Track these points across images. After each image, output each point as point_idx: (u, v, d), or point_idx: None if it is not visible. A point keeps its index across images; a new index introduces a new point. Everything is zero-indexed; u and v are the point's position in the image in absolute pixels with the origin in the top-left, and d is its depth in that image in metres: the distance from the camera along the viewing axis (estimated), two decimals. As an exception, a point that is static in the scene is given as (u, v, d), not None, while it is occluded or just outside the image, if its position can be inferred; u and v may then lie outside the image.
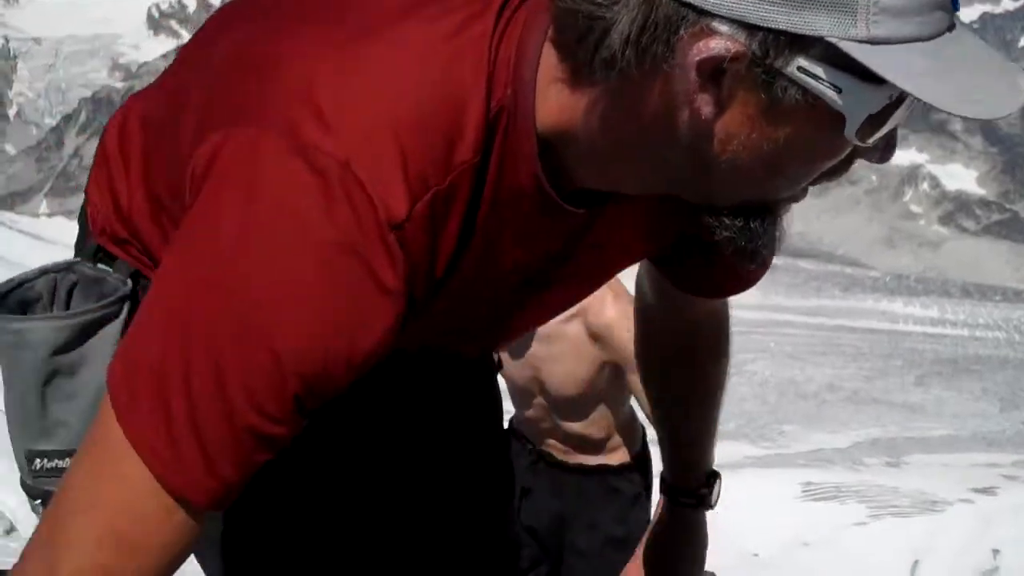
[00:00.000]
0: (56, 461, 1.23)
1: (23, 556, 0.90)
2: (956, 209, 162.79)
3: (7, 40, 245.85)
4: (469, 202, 0.96)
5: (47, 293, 1.25)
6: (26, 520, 9.55)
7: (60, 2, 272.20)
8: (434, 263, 0.96)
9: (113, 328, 1.22)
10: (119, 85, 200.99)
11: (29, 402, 1.22)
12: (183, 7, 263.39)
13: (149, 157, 1.20)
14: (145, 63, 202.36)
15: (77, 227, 1.37)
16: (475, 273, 1.03)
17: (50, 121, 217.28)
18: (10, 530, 9.24)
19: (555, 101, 0.93)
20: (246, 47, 1.03)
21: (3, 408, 1.26)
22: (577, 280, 1.26)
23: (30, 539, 0.91)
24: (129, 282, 1.23)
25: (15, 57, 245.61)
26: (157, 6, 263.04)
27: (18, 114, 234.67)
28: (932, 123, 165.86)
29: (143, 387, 0.88)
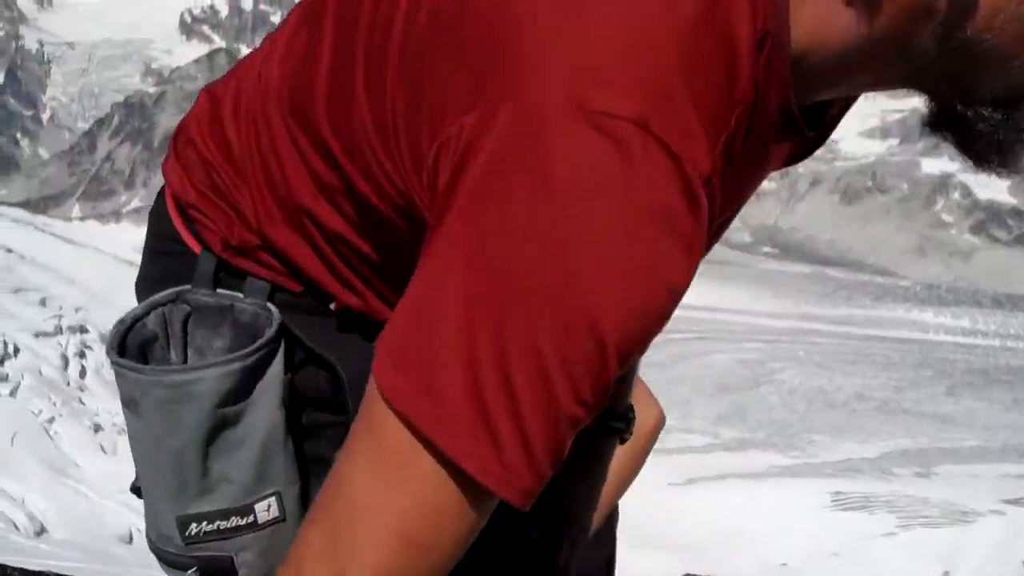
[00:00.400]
0: (218, 523, 1.12)
1: (297, 570, 0.84)
2: (988, 218, 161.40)
3: (41, 45, 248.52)
4: (740, 140, 0.87)
5: (160, 330, 1.14)
6: (56, 522, 9.67)
7: (93, 7, 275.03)
8: (714, 215, 0.86)
9: (277, 365, 1.11)
10: (151, 90, 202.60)
11: (188, 461, 1.10)
12: (215, 12, 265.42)
13: (296, 146, 1.05)
14: (177, 68, 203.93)
15: (142, 249, 1.24)
16: (719, 216, 0.91)
17: (83, 125, 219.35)
18: (40, 532, 9.36)
19: (809, 16, 0.85)
20: (443, 6, 0.89)
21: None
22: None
23: (294, 551, 0.85)
24: (274, 309, 1.11)
25: (49, 62, 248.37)
26: (189, 11, 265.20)
27: (51, 118, 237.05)
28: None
29: (448, 382, 0.78)
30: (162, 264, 1.20)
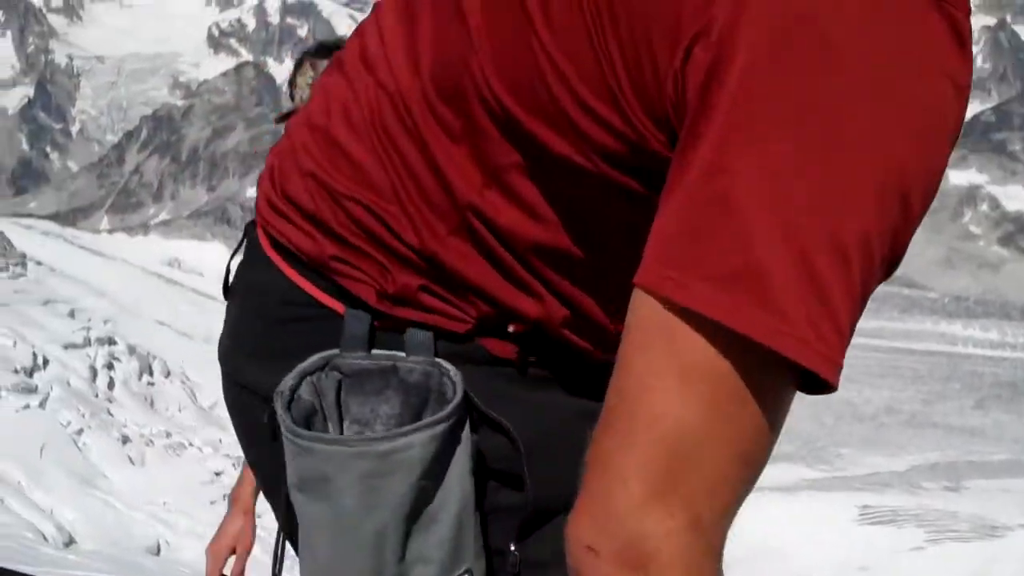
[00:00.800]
0: None
1: (634, 527, 0.73)
2: (1017, 230, 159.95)
3: (71, 59, 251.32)
4: None
5: (315, 401, 1.03)
6: (84, 534, 9.73)
7: (122, 21, 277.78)
8: None
9: (466, 427, 1.03)
10: (179, 103, 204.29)
11: (388, 543, 1.01)
12: (243, 26, 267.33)
13: (451, 136, 0.96)
14: (205, 81, 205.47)
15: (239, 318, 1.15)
16: None
17: (112, 138, 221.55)
18: (69, 543, 9.41)
19: None
20: None
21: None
22: None
23: (605, 510, 0.74)
24: (447, 365, 1.01)
25: (78, 75, 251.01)
26: (217, 25, 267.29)
27: (81, 131, 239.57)
28: (992, 143, 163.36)
29: (781, 288, 0.69)
30: (294, 333, 1.08)
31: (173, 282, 56.26)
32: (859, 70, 0.71)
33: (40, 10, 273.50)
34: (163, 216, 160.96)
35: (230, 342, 1.18)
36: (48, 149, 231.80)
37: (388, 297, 1.03)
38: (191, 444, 14.25)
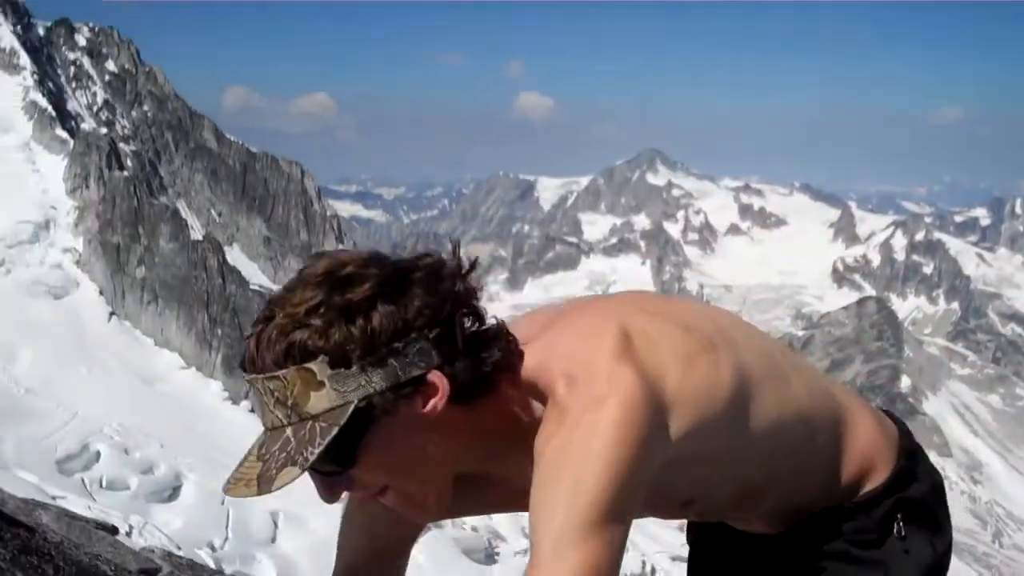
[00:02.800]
0: None
1: None
2: None
3: (701, 286, 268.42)
4: None
5: None
6: None
7: (752, 253, 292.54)
8: None
9: None
10: (800, 333, 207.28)
11: None
12: (867, 262, 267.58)
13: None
14: (826, 313, 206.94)
15: None
16: None
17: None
18: None
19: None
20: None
21: None
22: None
23: None
24: None
25: (706, 302, 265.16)
26: (842, 260, 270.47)
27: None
28: None
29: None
30: None
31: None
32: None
33: (679, 242, 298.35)
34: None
35: None
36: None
37: None
38: None
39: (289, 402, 1.33)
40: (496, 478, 1.65)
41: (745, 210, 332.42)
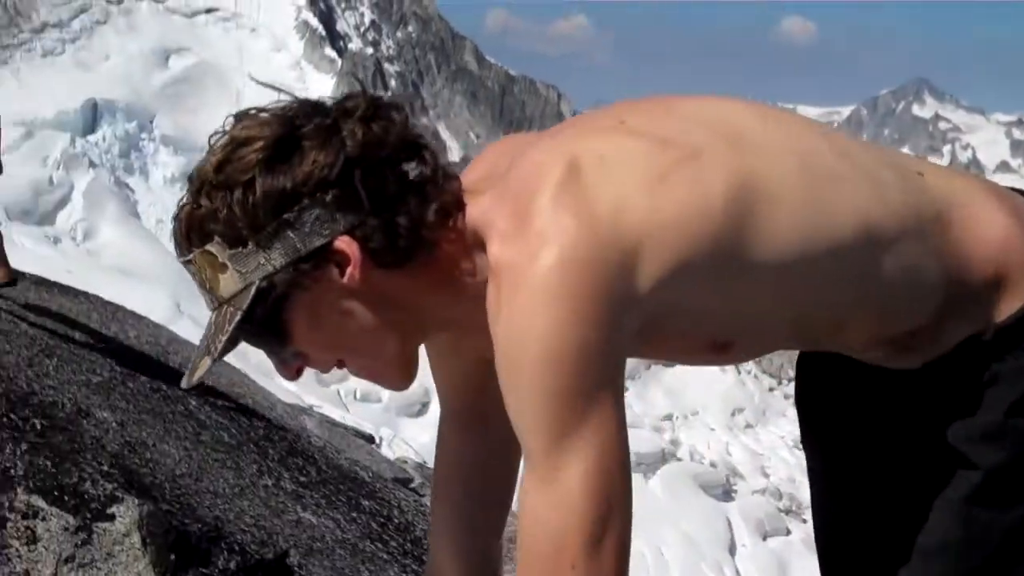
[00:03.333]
0: None
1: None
2: None
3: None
4: None
5: None
6: None
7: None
8: None
9: None
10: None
11: None
12: None
13: None
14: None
15: None
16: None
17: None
18: None
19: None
20: None
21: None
22: None
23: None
24: None
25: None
26: None
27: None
28: None
29: None
30: None
31: None
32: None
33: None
34: None
35: None
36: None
37: None
38: None
39: (207, 286, 1.27)
40: (466, 344, 1.47)
41: (1017, 146, 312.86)
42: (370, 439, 13.00)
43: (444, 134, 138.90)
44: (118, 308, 10.15)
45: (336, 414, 39.09)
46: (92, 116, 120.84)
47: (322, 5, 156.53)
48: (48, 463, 5.45)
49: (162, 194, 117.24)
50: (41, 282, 10.16)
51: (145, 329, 9.59)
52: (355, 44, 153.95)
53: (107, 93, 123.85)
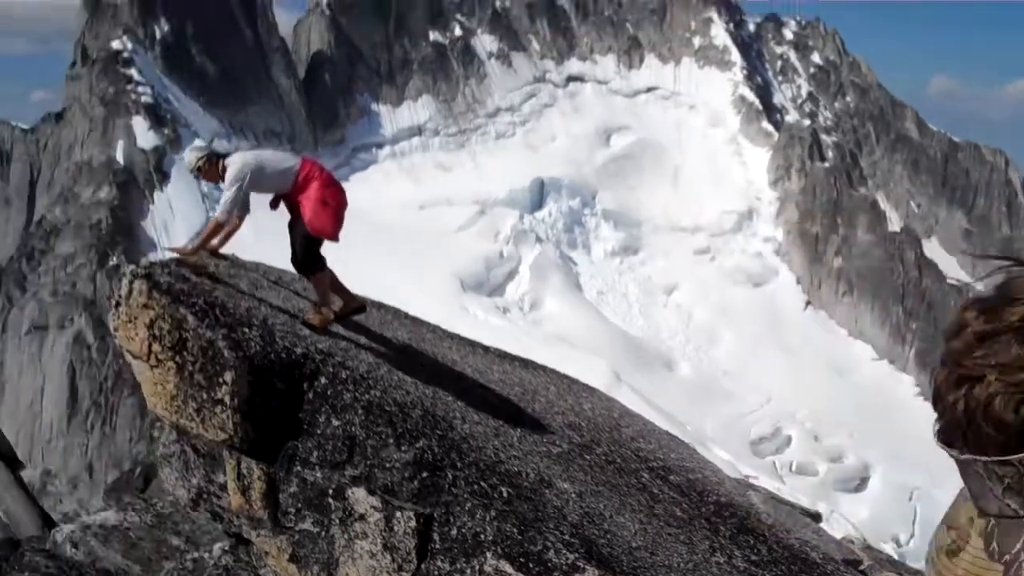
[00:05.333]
0: None
1: None
2: None
3: None
4: None
5: None
6: None
7: None
8: None
9: None
10: None
11: None
12: None
13: None
14: None
15: None
16: None
17: None
18: None
19: None
20: None
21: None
22: None
23: None
24: None
25: None
26: None
27: None
28: None
29: None
30: None
31: None
32: None
33: None
34: None
35: None
36: None
37: None
38: None
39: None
40: None
41: None
42: (817, 517, 12.90)
43: (883, 204, 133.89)
44: (573, 381, 10.54)
45: (771, 486, 39.21)
46: (539, 194, 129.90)
47: (759, 79, 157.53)
48: (515, 530, 6.16)
49: (603, 267, 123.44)
50: (504, 356, 10.54)
51: (598, 402, 9.91)
52: (792, 116, 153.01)
53: (553, 171, 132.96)
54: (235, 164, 8.23)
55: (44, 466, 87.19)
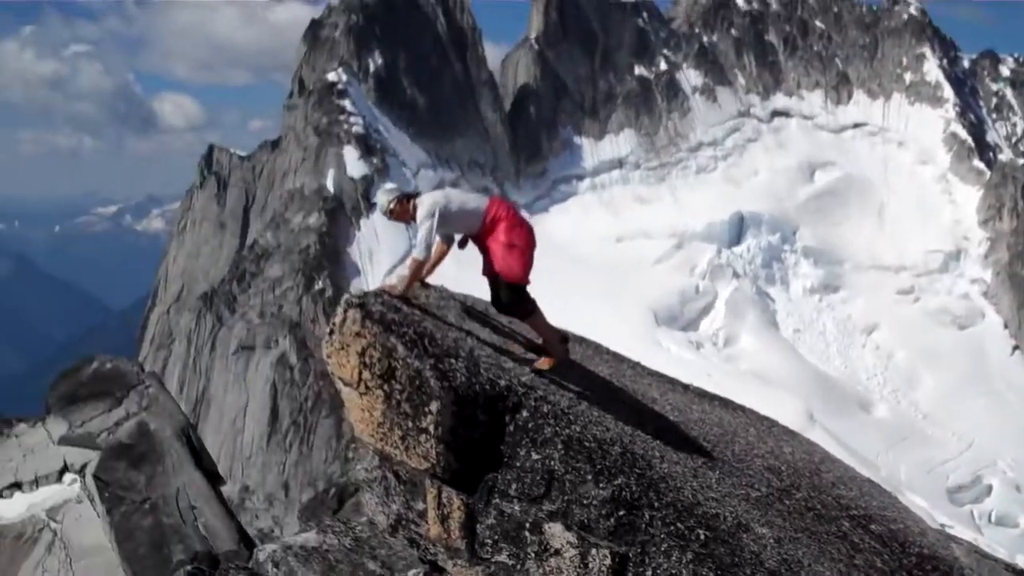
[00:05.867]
0: None
1: None
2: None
3: None
4: None
5: None
6: None
7: None
8: None
9: None
10: None
11: None
12: None
13: None
14: None
15: None
16: None
17: None
18: None
19: None
20: None
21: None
22: None
23: None
24: None
25: None
26: None
27: None
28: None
29: None
30: None
31: None
32: None
33: None
34: None
35: None
36: None
37: None
38: None
39: None
40: None
41: None
42: (1021, 574, 12.74)
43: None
44: (773, 423, 10.28)
45: (968, 536, 38.56)
46: (738, 228, 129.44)
47: (972, 116, 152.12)
48: (711, 574, 6.02)
49: (800, 304, 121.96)
50: (703, 394, 10.45)
51: (798, 445, 9.64)
52: (1006, 155, 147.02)
53: (753, 206, 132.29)
54: (425, 203, 8.30)
55: (243, 482, 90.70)
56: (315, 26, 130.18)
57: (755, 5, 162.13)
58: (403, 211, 8.50)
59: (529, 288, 8.34)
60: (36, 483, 16.68)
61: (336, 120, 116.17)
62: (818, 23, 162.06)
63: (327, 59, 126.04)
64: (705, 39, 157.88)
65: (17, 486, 16.76)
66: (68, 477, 16.67)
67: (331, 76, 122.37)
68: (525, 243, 8.26)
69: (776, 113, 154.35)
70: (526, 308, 8.28)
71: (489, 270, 8.31)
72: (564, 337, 8.64)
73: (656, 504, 6.44)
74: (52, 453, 16.87)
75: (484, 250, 8.34)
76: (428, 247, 8.19)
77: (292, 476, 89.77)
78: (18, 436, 17.68)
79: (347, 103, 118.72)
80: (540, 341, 8.50)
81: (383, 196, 8.65)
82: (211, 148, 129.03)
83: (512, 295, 8.19)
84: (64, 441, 17.01)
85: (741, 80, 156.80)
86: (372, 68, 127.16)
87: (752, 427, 9.60)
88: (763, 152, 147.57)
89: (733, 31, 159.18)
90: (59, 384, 18.31)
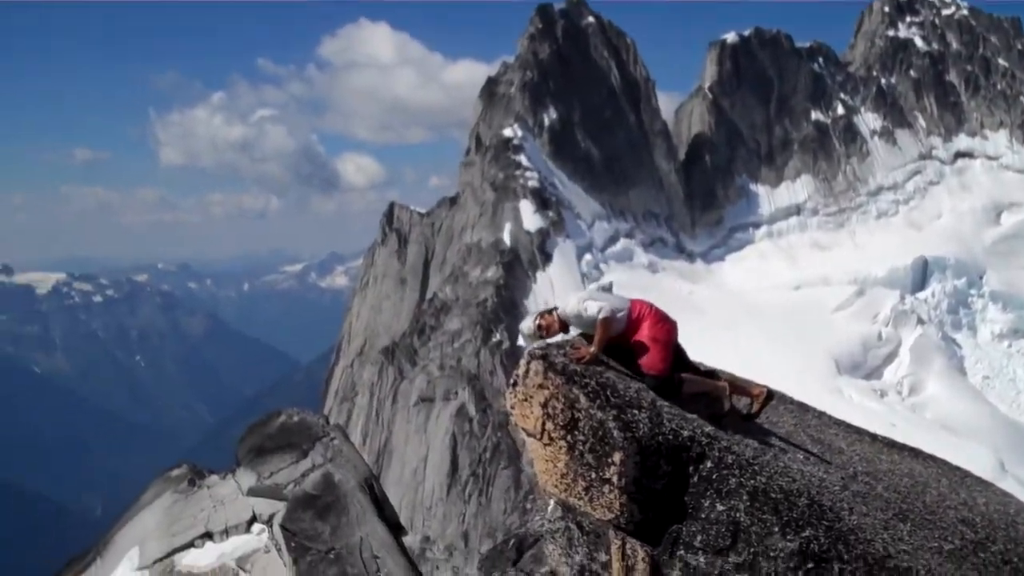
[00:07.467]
0: None
1: None
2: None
3: None
4: None
5: None
6: None
7: None
8: None
9: None
10: None
11: None
12: None
13: None
14: None
15: None
16: None
17: None
18: None
19: None
20: None
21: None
22: None
23: None
24: None
25: None
26: None
27: None
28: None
29: None
30: None
31: None
32: None
33: None
34: None
35: None
36: None
37: None
38: None
39: None
40: None
41: None
42: None
43: None
44: (966, 474, 10.03)
45: None
46: (922, 273, 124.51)
47: None
48: None
49: (989, 350, 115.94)
50: (892, 444, 10.23)
51: (992, 496, 9.36)
52: None
53: (937, 250, 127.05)
54: (585, 296, 8.57)
55: (423, 532, 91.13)
56: (491, 83, 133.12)
57: (935, 45, 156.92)
58: (551, 322, 8.64)
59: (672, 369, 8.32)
60: (226, 533, 17.19)
61: (512, 175, 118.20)
62: (1001, 61, 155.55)
63: (503, 115, 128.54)
64: (883, 81, 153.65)
65: (208, 536, 17.28)
66: (256, 527, 17.15)
67: (507, 132, 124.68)
68: (667, 339, 8.39)
69: (959, 154, 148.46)
70: (674, 391, 8.26)
71: (632, 363, 8.35)
72: (770, 395, 8.70)
73: (845, 557, 6.31)
74: (241, 504, 17.43)
75: (627, 349, 8.40)
76: (613, 310, 8.32)
77: (472, 527, 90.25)
78: (209, 488, 18.30)
79: (522, 158, 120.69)
80: (721, 393, 8.54)
81: (526, 323, 8.78)
82: (392, 205, 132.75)
83: (663, 390, 8.14)
84: (253, 492, 17.56)
85: (922, 122, 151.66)
86: (547, 122, 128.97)
87: (944, 477, 9.37)
88: (946, 194, 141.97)
89: (912, 72, 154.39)
90: (248, 437, 19.02)
